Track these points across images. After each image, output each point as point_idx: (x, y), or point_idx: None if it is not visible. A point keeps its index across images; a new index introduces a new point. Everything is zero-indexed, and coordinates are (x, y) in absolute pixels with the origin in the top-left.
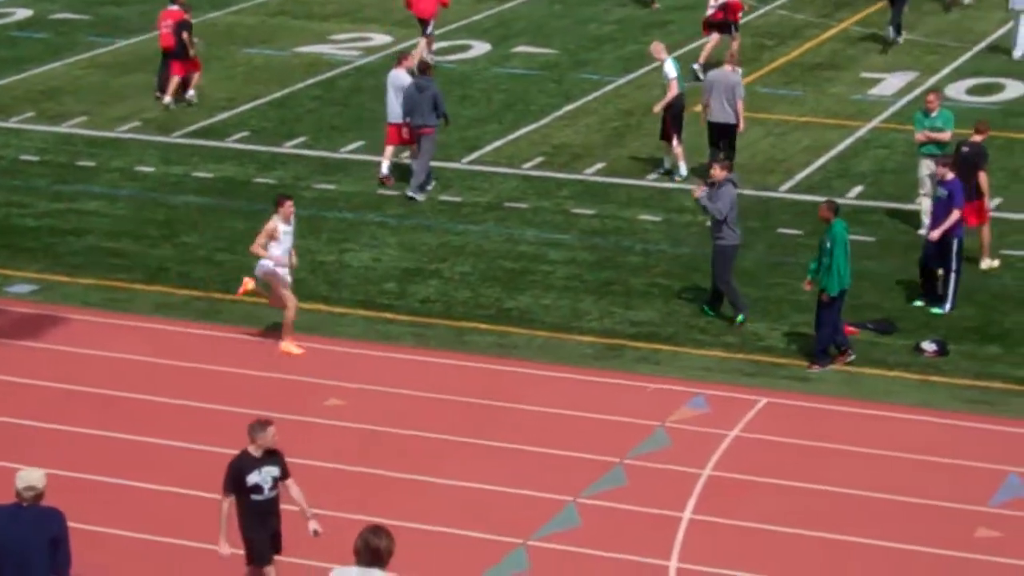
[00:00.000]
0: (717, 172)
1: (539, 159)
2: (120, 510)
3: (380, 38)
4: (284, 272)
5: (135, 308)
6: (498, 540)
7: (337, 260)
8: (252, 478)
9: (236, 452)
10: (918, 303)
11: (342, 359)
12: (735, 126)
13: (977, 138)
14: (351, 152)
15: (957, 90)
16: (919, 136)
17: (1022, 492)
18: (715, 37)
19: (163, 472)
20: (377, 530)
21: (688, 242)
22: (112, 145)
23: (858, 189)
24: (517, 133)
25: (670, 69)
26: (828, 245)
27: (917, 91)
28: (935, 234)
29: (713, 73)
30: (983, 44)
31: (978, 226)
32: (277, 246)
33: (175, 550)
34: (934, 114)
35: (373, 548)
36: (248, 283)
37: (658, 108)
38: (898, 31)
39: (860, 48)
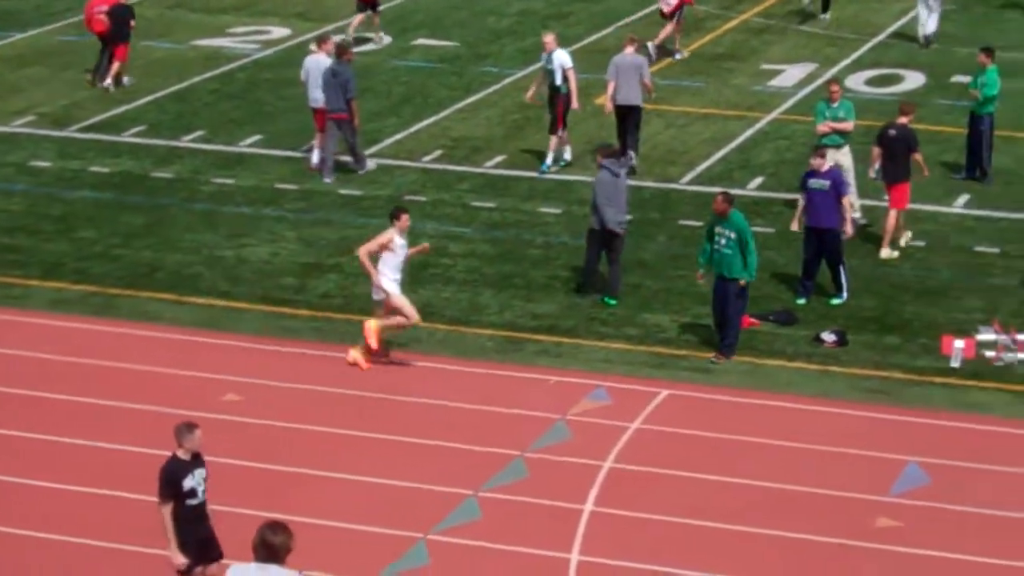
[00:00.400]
0: (598, 158)
1: (439, 152)
2: (11, 508)
3: (278, 31)
4: (394, 287)
5: (31, 304)
6: (399, 535)
7: (236, 255)
8: (188, 482)
9: (132, 449)
10: (800, 301)
11: (240, 354)
12: (640, 108)
13: (903, 120)
14: (249, 146)
15: (856, 81)
16: (821, 127)
17: (922, 481)
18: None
19: (59, 469)
20: (274, 526)
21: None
22: (7, 140)
23: (759, 180)
24: (417, 126)
25: (566, 59)
26: (733, 236)
27: (817, 82)
28: (849, 229)
29: (617, 57)
30: (882, 36)
31: (896, 209)
32: (391, 259)
33: (70, 548)
34: (836, 104)
35: (269, 544)
36: (372, 325)
37: (575, 104)
38: (826, 7)
39: (761, 40)
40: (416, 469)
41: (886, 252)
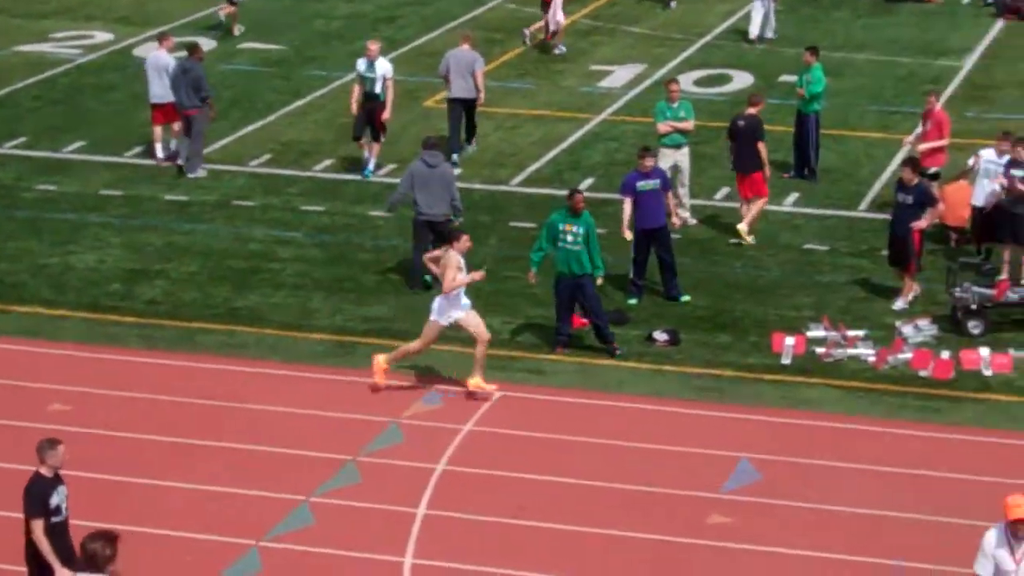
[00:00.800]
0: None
1: (267, 156)
2: None
3: (101, 36)
4: (457, 313)
5: None
6: (231, 542)
7: (61, 262)
8: (54, 500)
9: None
10: (631, 301)
11: (65, 363)
12: (476, 100)
13: (752, 110)
14: (73, 152)
15: (685, 81)
16: (663, 127)
17: (753, 477)
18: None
19: None
20: (95, 535)
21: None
22: None
23: (589, 181)
24: (244, 130)
25: (389, 68)
26: (582, 232)
27: (646, 83)
28: (676, 220)
29: (451, 52)
30: (709, 36)
31: (752, 198)
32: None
33: None
34: (676, 104)
35: (90, 553)
36: (380, 361)
37: (387, 115)
38: None
39: (589, 41)
40: (248, 476)
41: (746, 235)
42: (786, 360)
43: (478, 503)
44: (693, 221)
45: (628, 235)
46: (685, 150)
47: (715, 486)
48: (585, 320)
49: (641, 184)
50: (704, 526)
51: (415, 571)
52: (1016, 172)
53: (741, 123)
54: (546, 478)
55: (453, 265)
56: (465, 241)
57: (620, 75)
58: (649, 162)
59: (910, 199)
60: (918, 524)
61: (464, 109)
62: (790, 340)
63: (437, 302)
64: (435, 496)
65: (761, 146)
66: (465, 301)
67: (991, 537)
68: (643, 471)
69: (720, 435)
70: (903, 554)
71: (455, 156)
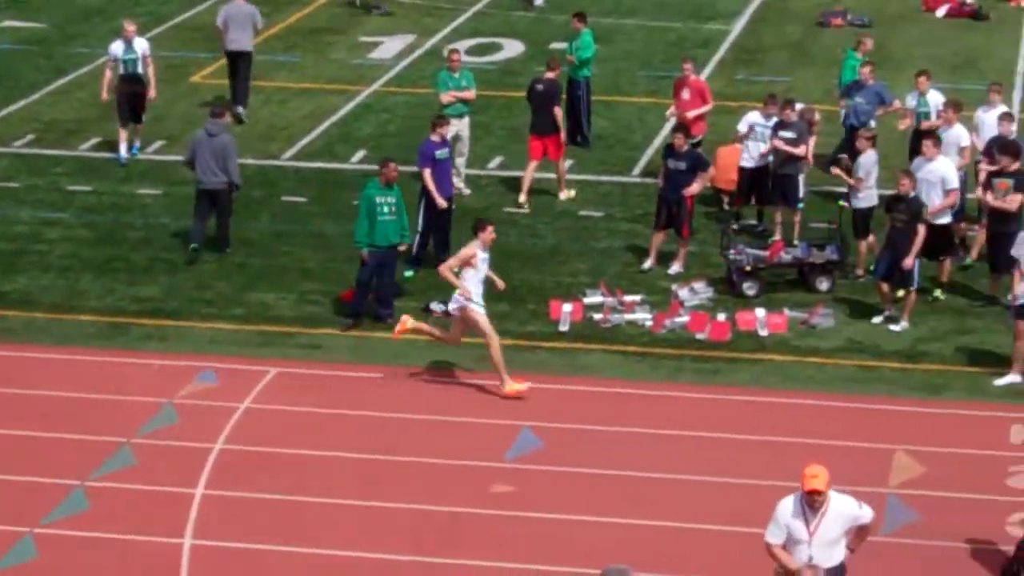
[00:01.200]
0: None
1: (30, 136)
2: None
3: None
4: (476, 307)
5: None
6: (3, 530)
7: None
8: None
9: None
10: (408, 273)
11: None
12: (251, 54)
13: (550, 75)
14: None
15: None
16: (445, 97)
17: (535, 445)
18: None
19: None
20: None
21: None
22: None
23: (361, 154)
24: (6, 110)
25: (146, 46)
26: (395, 202)
27: (417, 53)
28: (441, 202)
29: (226, 5)
30: (479, 5)
31: (556, 160)
32: (473, 275)
33: None
34: (457, 74)
35: None
36: (407, 322)
37: (153, 93)
38: None
39: (358, 12)
40: (20, 462)
41: (564, 194)
42: (564, 327)
43: (257, 482)
44: (468, 191)
45: (443, 203)
46: (467, 120)
47: (497, 455)
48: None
49: (439, 153)
50: (487, 495)
51: (194, 552)
52: (785, 134)
53: (540, 87)
54: (325, 453)
55: (463, 253)
56: (490, 232)
57: (390, 46)
58: (445, 130)
59: (683, 165)
60: (699, 485)
61: (239, 61)
62: (567, 307)
63: (455, 298)
64: (213, 476)
65: (557, 110)
66: (479, 290)
67: (786, 506)
68: (424, 443)
69: (500, 404)
70: (683, 516)
71: (241, 109)
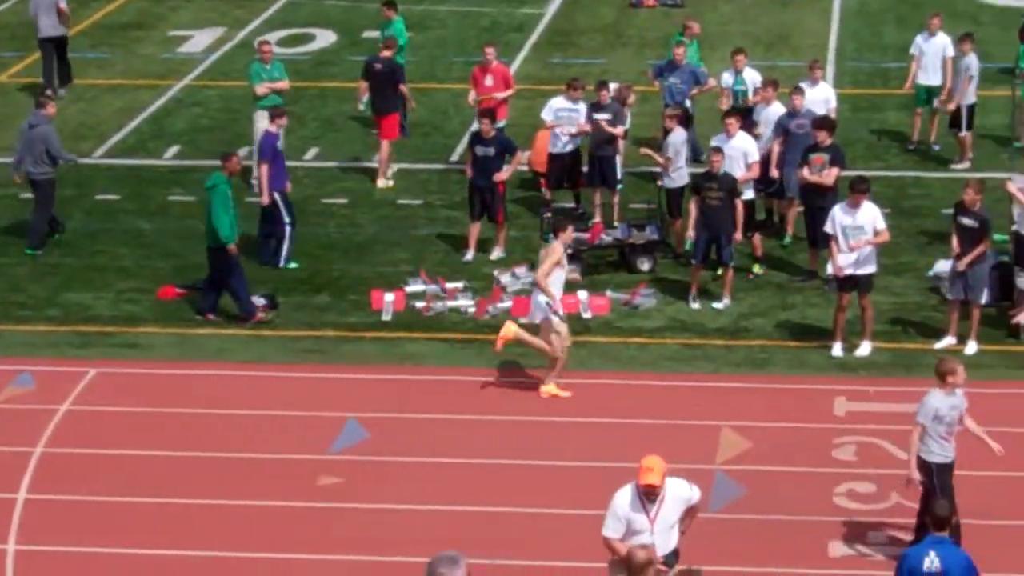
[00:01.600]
0: None
1: None
2: None
3: None
4: (559, 320)
5: None
6: None
7: None
8: None
9: None
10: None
11: None
12: (66, 38)
13: (387, 53)
14: None
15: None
16: (260, 89)
17: (361, 436)
18: None
19: None
20: None
21: (5, 215)
22: None
23: (174, 149)
24: None
25: None
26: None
27: (227, 46)
28: (265, 198)
29: None
30: None
31: (394, 140)
32: (559, 277)
33: None
34: (269, 65)
35: None
36: (510, 328)
37: None
38: None
39: (167, 6)
40: None
41: (382, 183)
42: (387, 316)
43: (81, 484)
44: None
45: (266, 200)
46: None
47: (323, 447)
48: (182, 291)
49: (279, 144)
50: (314, 488)
51: (19, 558)
52: (600, 116)
53: (378, 66)
54: (150, 453)
55: (552, 257)
56: (570, 232)
57: (200, 40)
58: (284, 120)
59: (492, 150)
60: (527, 469)
61: (55, 48)
62: (390, 296)
63: (535, 298)
64: (35, 480)
65: (403, 88)
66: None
67: (623, 499)
68: (249, 438)
69: (326, 396)
70: (509, 500)
71: (61, 91)
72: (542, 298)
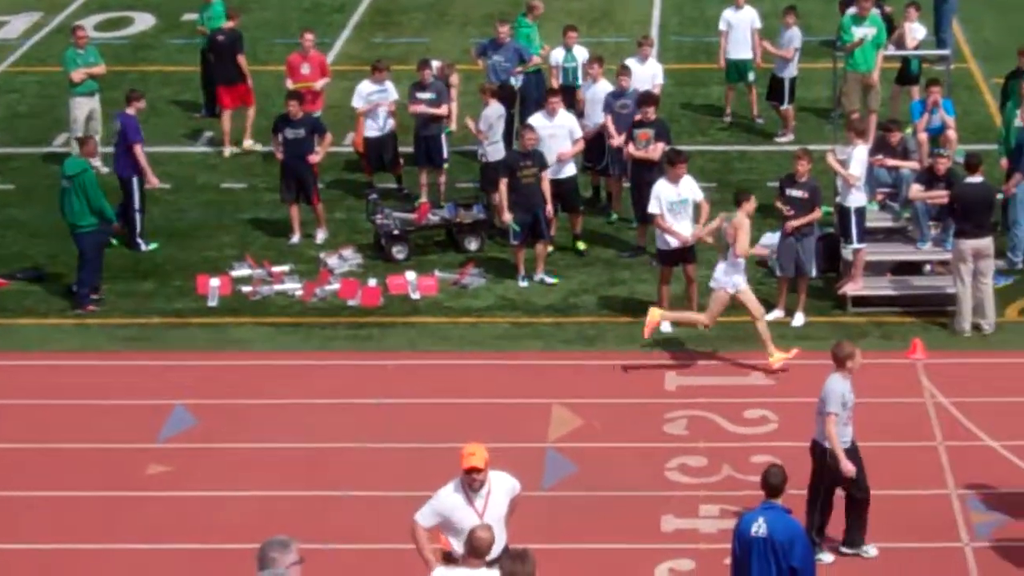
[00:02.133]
0: None
1: None
2: None
3: None
4: (739, 279)
5: None
6: None
7: None
8: None
9: None
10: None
11: None
12: None
13: (230, 24)
14: None
15: (86, 27)
16: (76, 75)
17: (190, 423)
18: None
19: None
20: None
21: None
22: None
23: None
24: None
25: None
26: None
27: (44, 31)
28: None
29: None
30: None
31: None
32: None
33: None
34: (84, 50)
35: None
36: (655, 314)
37: None
38: None
39: None
40: None
41: (229, 150)
42: (213, 302)
43: None
44: (106, 169)
45: (155, 181)
46: (97, 97)
47: (151, 436)
48: (3, 280)
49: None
50: (143, 477)
51: None
52: (423, 95)
53: (221, 37)
54: None
55: (746, 228)
56: (753, 202)
57: (16, 25)
58: (142, 103)
59: (302, 132)
60: (358, 452)
61: None
62: (215, 281)
63: (720, 268)
64: None
65: (242, 58)
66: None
67: (447, 497)
68: (76, 427)
69: (152, 384)
70: (341, 484)
71: None
72: (720, 273)
